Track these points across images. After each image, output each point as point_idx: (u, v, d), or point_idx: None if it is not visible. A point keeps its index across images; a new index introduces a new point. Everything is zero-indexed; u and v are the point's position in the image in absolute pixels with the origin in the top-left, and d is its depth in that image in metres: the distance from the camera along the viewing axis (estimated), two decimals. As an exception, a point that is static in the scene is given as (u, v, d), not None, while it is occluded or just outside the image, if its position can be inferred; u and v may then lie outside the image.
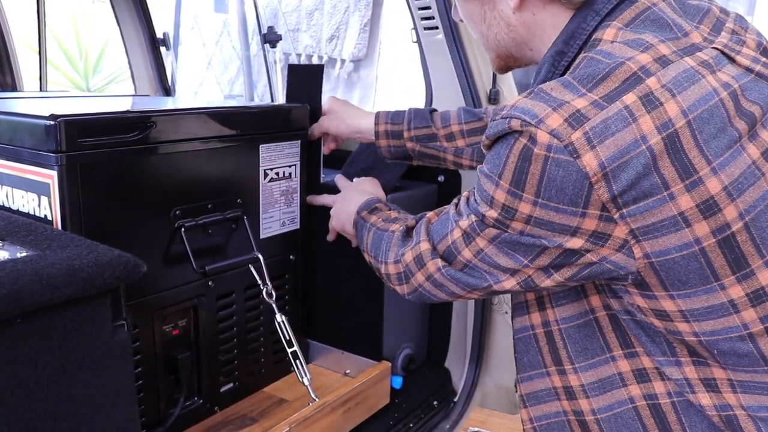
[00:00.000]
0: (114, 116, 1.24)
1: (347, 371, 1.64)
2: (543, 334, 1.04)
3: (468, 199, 0.98)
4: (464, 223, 0.97)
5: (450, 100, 1.70)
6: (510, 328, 1.71)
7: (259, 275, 1.42)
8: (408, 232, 1.18)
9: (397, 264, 1.14)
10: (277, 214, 1.54)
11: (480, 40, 1.12)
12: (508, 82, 1.71)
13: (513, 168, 0.85)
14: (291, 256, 1.60)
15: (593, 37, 0.93)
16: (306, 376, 1.41)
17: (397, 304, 1.67)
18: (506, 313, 1.71)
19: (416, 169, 1.77)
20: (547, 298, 1.03)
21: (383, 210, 1.34)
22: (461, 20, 1.14)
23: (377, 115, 1.53)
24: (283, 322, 1.41)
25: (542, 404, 1.05)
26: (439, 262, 1.03)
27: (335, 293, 1.70)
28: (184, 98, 3.15)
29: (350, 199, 1.43)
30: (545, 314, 1.03)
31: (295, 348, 1.41)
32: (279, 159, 1.51)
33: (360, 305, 1.66)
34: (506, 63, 1.12)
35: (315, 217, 1.67)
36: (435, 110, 1.51)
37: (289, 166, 1.54)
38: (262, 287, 1.42)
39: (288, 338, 1.41)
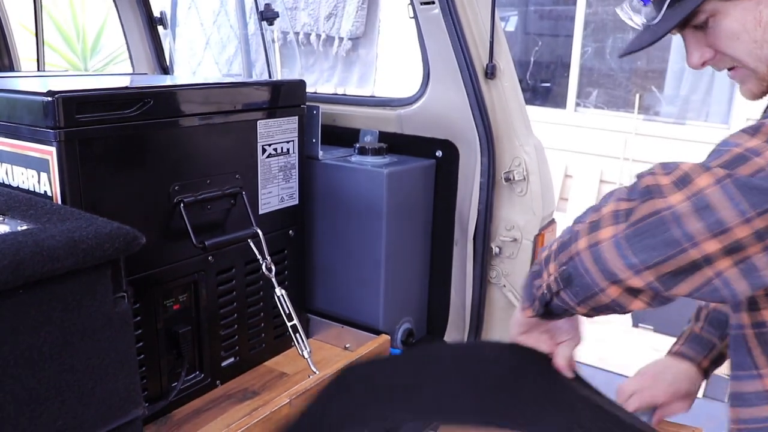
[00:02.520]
0: (111, 92, 1.25)
1: (347, 345, 1.65)
2: (753, 335, 0.95)
3: None
4: None
5: (446, 75, 1.70)
6: (508, 302, 1.74)
7: (258, 250, 1.43)
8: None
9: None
10: (276, 190, 1.54)
11: (747, 56, 0.93)
12: (505, 57, 1.71)
13: None
14: (290, 231, 1.61)
15: None
16: (306, 349, 1.42)
17: (396, 280, 1.68)
18: (504, 286, 1.72)
19: (413, 143, 1.78)
20: (763, 298, 0.92)
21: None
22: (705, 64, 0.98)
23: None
24: (282, 296, 1.43)
25: (750, 407, 0.97)
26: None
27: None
28: (182, 77, 3.16)
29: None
30: (759, 315, 0.93)
31: (295, 322, 1.42)
32: (277, 135, 1.52)
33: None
34: None
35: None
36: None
37: (287, 142, 1.55)
38: (261, 262, 1.43)
39: (288, 312, 1.43)
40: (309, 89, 1.65)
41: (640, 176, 0.84)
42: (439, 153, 1.76)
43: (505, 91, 1.68)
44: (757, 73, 0.94)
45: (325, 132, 1.77)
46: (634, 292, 0.81)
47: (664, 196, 0.78)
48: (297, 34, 3.57)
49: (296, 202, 1.61)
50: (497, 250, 1.70)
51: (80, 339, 0.88)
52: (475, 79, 1.65)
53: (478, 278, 1.69)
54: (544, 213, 1.69)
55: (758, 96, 0.98)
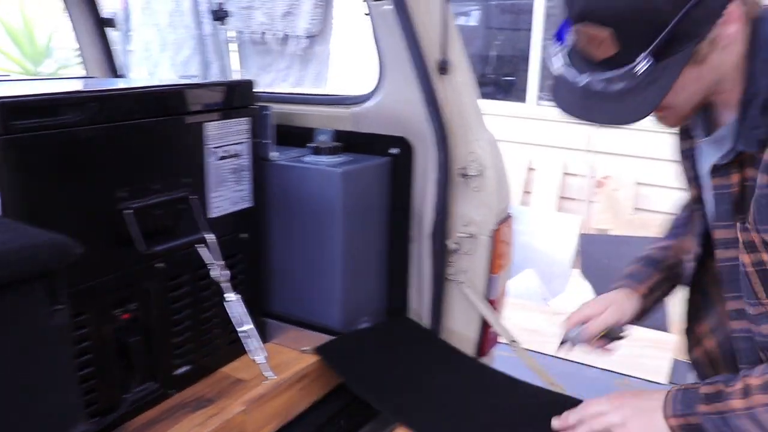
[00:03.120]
0: (49, 97, 1.21)
1: (305, 348, 1.63)
2: (755, 272, 1.09)
3: None
4: None
5: (400, 72, 1.68)
6: (467, 299, 1.73)
7: (209, 255, 1.40)
8: None
9: None
10: (228, 193, 1.51)
11: (679, 104, 1.07)
12: (458, 52, 1.70)
13: None
14: (244, 235, 1.58)
15: None
16: (259, 354, 1.39)
17: (353, 280, 1.66)
18: (462, 283, 1.71)
19: (368, 141, 1.76)
20: (761, 245, 1.07)
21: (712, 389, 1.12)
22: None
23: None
24: (233, 302, 1.40)
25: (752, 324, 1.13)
26: None
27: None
28: (135, 80, 3.09)
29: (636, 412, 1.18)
30: (760, 255, 1.07)
31: (245, 328, 1.39)
32: (226, 137, 1.48)
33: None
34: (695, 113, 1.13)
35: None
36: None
37: (238, 144, 1.52)
38: (212, 267, 1.40)
39: (241, 318, 1.40)
40: (266, 89, 1.62)
41: None
42: (394, 150, 1.74)
43: (459, 86, 1.67)
44: (683, 113, 1.10)
45: (280, 132, 1.74)
46: None
47: None
48: (253, 33, 3.53)
49: (250, 204, 1.58)
50: (454, 246, 1.69)
51: (13, 355, 0.85)
52: (427, 75, 1.63)
53: (435, 276, 1.68)
54: (500, 207, 1.68)
55: (675, 126, 1.19)
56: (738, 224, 1.09)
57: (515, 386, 1.52)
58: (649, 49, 0.95)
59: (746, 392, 1.07)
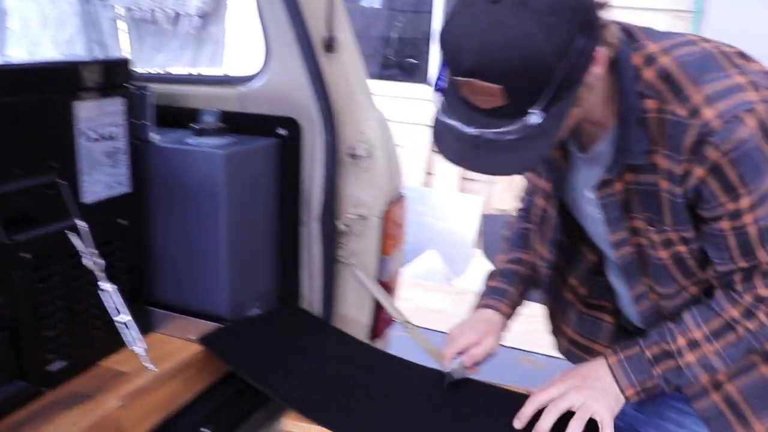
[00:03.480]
0: None
1: (191, 337, 1.57)
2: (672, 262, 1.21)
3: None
4: None
5: (286, 50, 1.63)
6: (359, 281, 1.71)
7: (81, 243, 1.32)
8: (751, 314, 1.16)
9: None
10: (103, 177, 1.43)
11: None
12: (345, 30, 1.67)
13: None
14: (122, 221, 1.50)
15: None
16: (139, 345, 1.33)
17: (240, 265, 1.61)
18: (354, 265, 1.69)
19: (256, 122, 1.71)
20: (678, 242, 1.18)
21: (652, 345, 1.23)
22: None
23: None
24: (108, 291, 1.33)
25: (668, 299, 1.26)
26: None
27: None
28: (10, 59, 2.91)
29: (589, 385, 1.23)
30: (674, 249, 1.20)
31: (126, 317, 1.33)
32: (99, 118, 1.40)
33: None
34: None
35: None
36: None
37: (113, 126, 1.44)
38: (84, 255, 1.32)
39: (118, 308, 1.33)
40: (158, 70, 1.54)
41: None
42: (282, 131, 1.69)
43: (346, 65, 1.64)
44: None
45: (163, 114, 1.66)
46: None
47: None
48: (141, 10, 3.37)
49: (128, 189, 1.50)
50: (345, 228, 1.67)
51: None
52: (313, 53, 1.59)
53: (326, 259, 1.65)
54: (391, 188, 1.67)
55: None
56: (650, 227, 1.18)
57: (405, 368, 1.52)
58: (541, 102, 0.98)
59: (694, 345, 1.18)
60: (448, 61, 1.03)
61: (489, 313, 1.44)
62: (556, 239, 1.37)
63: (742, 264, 1.13)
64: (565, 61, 0.96)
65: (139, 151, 1.54)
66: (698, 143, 1.05)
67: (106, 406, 1.20)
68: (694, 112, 1.04)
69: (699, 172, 1.06)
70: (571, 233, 1.40)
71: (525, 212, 1.54)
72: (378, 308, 1.77)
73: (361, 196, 1.65)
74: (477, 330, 1.39)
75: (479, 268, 4.62)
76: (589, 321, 1.49)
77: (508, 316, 1.47)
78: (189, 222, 1.58)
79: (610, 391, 1.22)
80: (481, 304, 1.47)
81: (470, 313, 1.46)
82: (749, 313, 1.15)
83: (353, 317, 1.77)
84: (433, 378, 1.42)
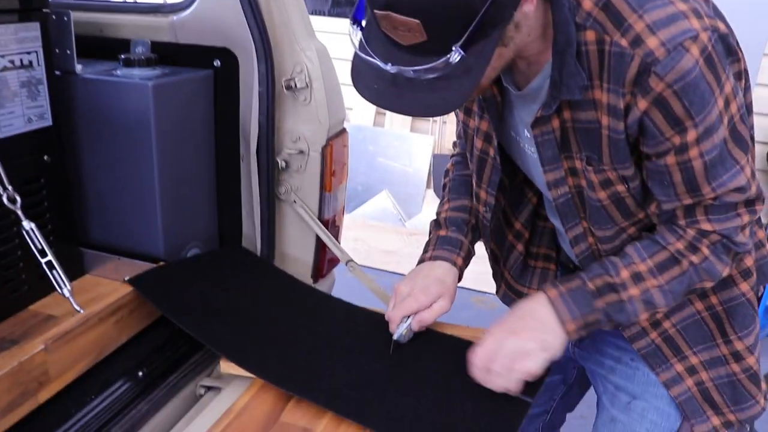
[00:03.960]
0: None
1: (126, 277, 1.51)
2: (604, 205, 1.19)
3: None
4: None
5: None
6: (300, 218, 1.66)
7: (-4, 180, 1.23)
8: (694, 247, 1.14)
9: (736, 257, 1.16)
10: (19, 110, 1.34)
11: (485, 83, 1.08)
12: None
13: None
14: (45, 157, 1.42)
15: None
16: (65, 287, 1.27)
17: (176, 203, 1.54)
18: (294, 202, 1.63)
19: (190, 53, 1.62)
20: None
21: (596, 279, 1.17)
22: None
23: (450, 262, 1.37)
24: (32, 230, 1.25)
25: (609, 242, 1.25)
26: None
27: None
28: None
29: (523, 327, 1.18)
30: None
31: (50, 257, 1.26)
32: (11, 44, 1.30)
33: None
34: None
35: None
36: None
37: (28, 53, 1.34)
38: (2, 193, 1.24)
39: (40, 248, 1.26)
40: None
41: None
42: (217, 63, 1.61)
43: (283, -7, 1.55)
44: (485, 87, 1.16)
45: (91, 44, 1.57)
46: None
47: None
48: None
49: (49, 123, 1.41)
50: (284, 164, 1.61)
51: None
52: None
53: (265, 195, 1.59)
54: (331, 122, 1.60)
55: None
56: (588, 167, 1.14)
57: (348, 312, 1.48)
58: (462, 40, 0.91)
59: (638, 278, 1.15)
60: None
61: (443, 269, 1.34)
62: (498, 181, 1.31)
63: (687, 201, 1.10)
64: None
65: (62, 83, 1.45)
66: (641, 74, 0.99)
67: (27, 350, 1.13)
68: (637, 42, 0.98)
69: (642, 104, 1.01)
70: (513, 175, 1.36)
71: (461, 157, 1.48)
72: (322, 247, 1.72)
73: (301, 130, 1.59)
74: (428, 293, 1.29)
75: (431, 208, 4.60)
76: (530, 268, 1.46)
77: (462, 268, 1.39)
78: (119, 158, 1.50)
79: (549, 327, 1.17)
80: (434, 256, 1.37)
81: (421, 265, 1.37)
82: (693, 247, 1.13)
83: (296, 256, 1.72)
84: (377, 322, 1.38)
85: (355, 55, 1.01)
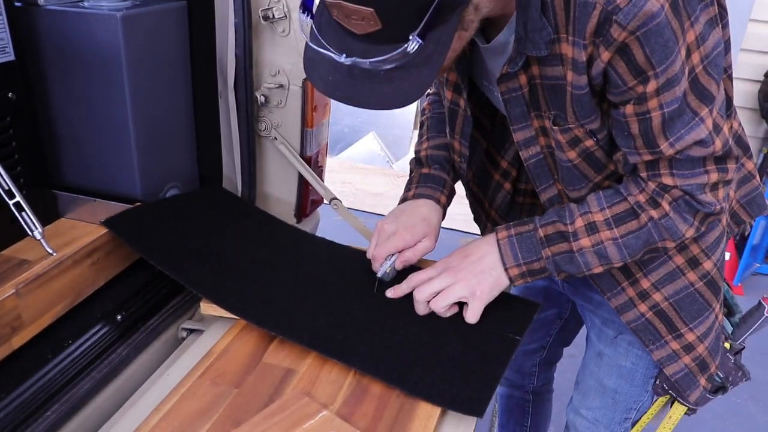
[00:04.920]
0: None
1: (101, 219, 1.46)
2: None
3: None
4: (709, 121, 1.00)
5: None
6: (281, 154, 1.60)
7: (-43, 117, 1.17)
8: (655, 202, 1.08)
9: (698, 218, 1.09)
10: (-22, 43, 1.26)
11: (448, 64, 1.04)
12: None
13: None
14: (9, 94, 1.35)
15: None
16: (36, 229, 1.21)
17: (152, 141, 1.48)
18: (275, 139, 1.58)
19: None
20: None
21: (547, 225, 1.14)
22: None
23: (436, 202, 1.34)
24: (-2, 170, 1.19)
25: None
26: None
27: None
28: None
29: (471, 266, 1.17)
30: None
31: (17, 198, 1.20)
32: (-35, -29, 1.22)
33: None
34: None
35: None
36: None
37: (-17, -19, 1.25)
38: (-37, 131, 1.18)
39: (7, 188, 1.20)
40: None
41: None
42: (191, -7, 1.52)
43: None
44: (450, 65, 1.12)
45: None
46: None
47: None
48: None
49: (11, 57, 1.33)
50: (263, 99, 1.54)
51: None
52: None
53: (245, 132, 1.53)
54: (312, 55, 1.53)
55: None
56: (555, 127, 1.09)
57: (331, 250, 1.44)
58: (419, 28, 0.85)
59: (592, 229, 1.10)
60: None
61: (428, 207, 1.31)
62: (470, 133, 1.26)
63: (647, 156, 1.04)
64: None
65: (24, 15, 1.37)
66: (602, 24, 0.92)
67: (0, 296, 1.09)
68: None
69: (606, 55, 0.95)
70: (493, 116, 1.31)
71: (437, 96, 1.42)
72: (305, 186, 1.67)
73: (280, 63, 1.52)
74: (413, 232, 1.26)
75: (419, 150, 4.55)
76: (518, 205, 1.42)
77: (446, 206, 1.36)
78: (90, 95, 1.43)
79: (488, 271, 1.15)
80: (417, 194, 1.34)
81: (404, 204, 1.34)
82: (654, 201, 1.08)
83: (278, 196, 1.68)
84: (361, 261, 1.34)
85: (307, 45, 0.95)
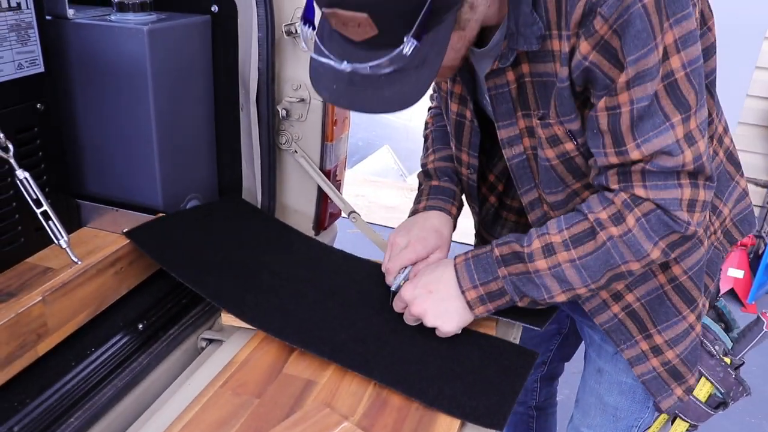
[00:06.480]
0: None
1: (124, 230, 1.48)
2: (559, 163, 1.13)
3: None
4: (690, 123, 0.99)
5: None
6: (301, 168, 1.62)
7: (-13, 127, 1.19)
8: (619, 217, 1.05)
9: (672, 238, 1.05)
10: (9, 55, 1.29)
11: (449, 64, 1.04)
12: None
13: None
14: (38, 105, 1.37)
15: None
16: (62, 237, 1.23)
17: (174, 153, 1.50)
18: (295, 152, 1.59)
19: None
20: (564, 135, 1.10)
21: (509, 246, 1.13)
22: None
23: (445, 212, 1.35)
24: (26, 179, 1.22)
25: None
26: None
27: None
28: None
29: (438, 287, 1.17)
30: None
31: (45, 208, 1.22)
32: (-1, -15, 1.24)
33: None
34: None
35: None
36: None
37: (15, -5, 1.28)
38: (-7, 141, 1.20)
39: (35, 198, 1.22)
40: None
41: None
42: (215, 8, 1.55)
43: (283, -67, 1.49)
44: (453, 67, 1.11)
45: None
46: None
47: None
48: None
49: (41, 69, 1.36)
50: (284, 113, 1.56)
51: None
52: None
53: (266, 145, 1.55)
54: (333, 70, 1.55)
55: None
56: (538, 122, 1.08)
57: (349, 263, 1.45)
58: (413, 30, 0.86)
59: (549, 250, 1.08)
60: None
61: (439, 220, 1.31)
62: (478, 143, 1.27)
63: (614, 159, 1.02)
64: None
65: (54, 28, 1.40)
66: (587, 15, 0.93)
67: (24, 302, 1.11)
68: None
69: (585, 47, 0.95)
70: (493, 134, 1.32)
71: (439, 110, 1.44)
72: (323, 199, 1.69)
73: (302, 78, 1.54)
74: (426, 244, 1.27)
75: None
76: (501, 219, 1.43)
77: (456, 218, 1.37)
78: (115, 107, 1.45)
79: (449, 295, 1.15)
80: (428, 206, 1.34)
81: (415, 216, 1.34)
82: (618, 217, 1.03)
83: (297, 208, 1.69)
84: (380, 274, 1.35)
85: (311, 57, 0.97)
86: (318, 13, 0.94)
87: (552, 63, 1.02)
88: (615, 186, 1.04)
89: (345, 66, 0.91)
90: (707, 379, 1.32)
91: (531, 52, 1.02)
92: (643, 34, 0.92)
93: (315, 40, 0.96)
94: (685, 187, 1.01)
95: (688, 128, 0.99)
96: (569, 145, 1.08)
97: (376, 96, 0.93)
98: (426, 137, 1.47)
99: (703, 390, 1.33)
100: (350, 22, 0.88)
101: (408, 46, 0.87)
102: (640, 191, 1.02)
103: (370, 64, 0.90)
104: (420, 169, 1.44)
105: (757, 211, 3.65)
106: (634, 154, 1.00)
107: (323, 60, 0.93)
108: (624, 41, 0.92)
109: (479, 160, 1.32)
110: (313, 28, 0.97)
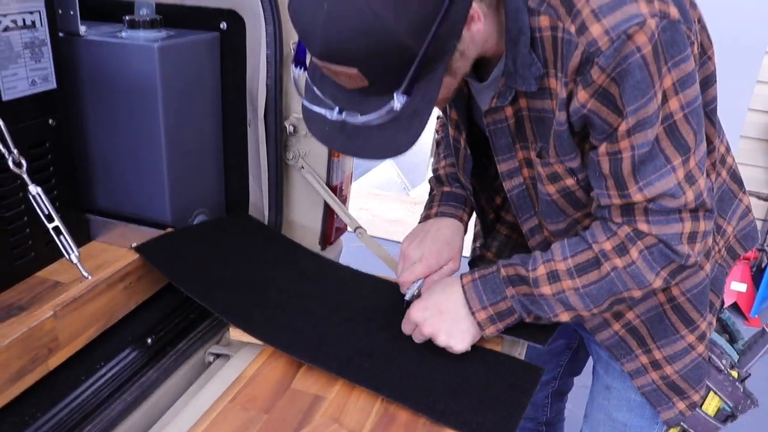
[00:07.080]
0: None
1: (133, 244, 1.49)
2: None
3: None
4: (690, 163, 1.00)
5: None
6: (308, 184, 1.63)
7: (1, 143, 1.21)
8: (623, 249, 1.06)
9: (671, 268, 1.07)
10: (23, 71, 1.30)
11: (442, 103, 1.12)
12: None
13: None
14: (50, 121, 1.39)
15: None
16: (73, 252, 1.25)
17: (183, 168, 1.52)
18: (302, 168, 1.61)
19: (196, 15, 1.58)
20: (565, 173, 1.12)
21: (515, 270, 1.14)
22: None
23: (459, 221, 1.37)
24: (38, 194, 1.23)
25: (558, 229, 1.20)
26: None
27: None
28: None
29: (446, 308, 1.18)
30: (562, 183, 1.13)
31: (57, 223, 1.24)
32: (12, 3, 1.26)
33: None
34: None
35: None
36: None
37: (30, 13, 1.30)
38: (7, 156, 1.21)
39: (47, 213, 1.23)
40: None
41: None
42: (223, 25, 1.57)
43: (291, -49, 1.51)
44: (447, 101, 1.16)
45: (94, 6, 1.53)
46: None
47: None
48: None
49: (53, 85, 1.38)
50: (291, 129, 1.58)
51: None
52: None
53: (273, 160, 1.57)
54: (340, 86, 1.57)
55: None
56: (538, 159, 1.10)
57: (356, 278, 1.46)
58: (403, 85, 0.88)
59: (554, 277, 1.10)
60: (301, 41, 0.95)
61: (451, 228, 1.33)
62: (471, 169, 1.29)
63: (617, 200, 1.04)
64: (425, 36, 0.86)
65: (66, 45, 1.42)
66: (584, 64, 0.94)
67: (36, 316, 1.12)
68: (581, 29, 0.93)
69: (583, 96, 0.96)
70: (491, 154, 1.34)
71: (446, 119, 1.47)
72: (330, 214, 1.70)
73: (310, 95, 1.55)
74: (439, 257, 1.29)
75: (436, 177, 4.58)
76: (495, 232, 1.45)
77: (467, 223, 1.39)
78: (126, 123, 1.47)
79: (459, 316, 1.16)
80: (440, 212, 1.36)
81: (427, 222, 1.36)
82: (622, 248, 1.05)
83: (304, 223, 1.71)
84: (386, 289, 1.36)
85: (303, 103, 0.99)
86: (309, 55, 0.96)
87: (549, 100, 1.03)
88: (618, 219, 1.06)
89: (336, 116, 0.93)
90: (716, 393, 1.33)
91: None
92: (642, 84, 0.93)
93: (306, 80, 0.98)
94: (686, 221, 1.04)
95: (688, 168, 1.00)
96: (569, 181, 1.10)
97: (368, 143, 0.96)
98: (437, 143, 1.49)
99: (711, 404, 1.34)
100: (341, 75, 0.90)
101: (399, 102, 0.89)
102: (643, 226, 1.04)
103: (362, 119, 0.91)
104: (432, 175, 1.47)
105: (759, 225, 3.66)
106: (637, 197, 1.02)
107: (313, 109, 0.96)
108: (623, 90, 0.94)
109: (480, 172, 1.35)
110: (304, 69, 0.99)
